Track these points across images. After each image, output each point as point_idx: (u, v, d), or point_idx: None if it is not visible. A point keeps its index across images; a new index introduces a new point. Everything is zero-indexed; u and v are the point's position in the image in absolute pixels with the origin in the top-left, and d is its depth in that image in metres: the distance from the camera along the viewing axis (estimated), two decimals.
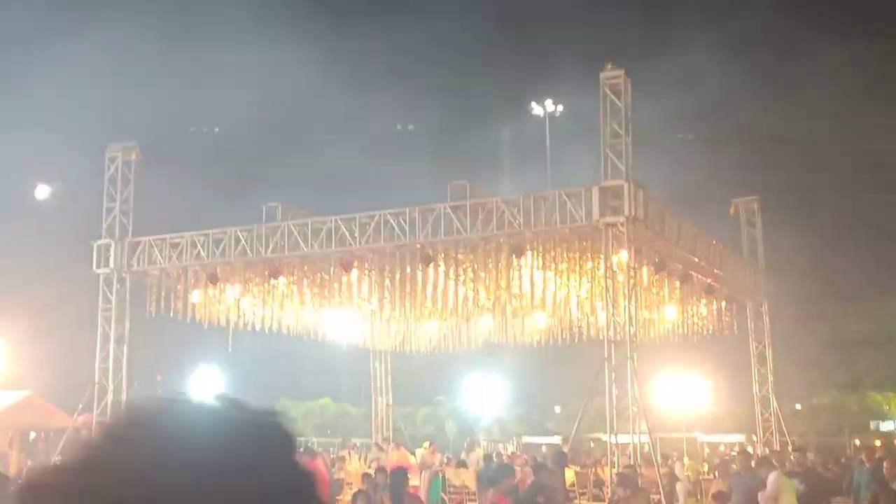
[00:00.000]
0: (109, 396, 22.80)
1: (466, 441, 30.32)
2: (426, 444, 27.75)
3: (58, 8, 56.53)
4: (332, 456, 26.37)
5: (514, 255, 19.93)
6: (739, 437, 39.18)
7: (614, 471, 17.79)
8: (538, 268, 20.82)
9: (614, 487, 13.53)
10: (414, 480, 19.18)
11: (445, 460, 25.36)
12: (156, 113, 56.10)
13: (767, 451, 25.25)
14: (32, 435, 33.38)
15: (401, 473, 14.03)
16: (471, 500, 20.33)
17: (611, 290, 18.83)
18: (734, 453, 33.80)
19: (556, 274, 21.25)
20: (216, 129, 61.95)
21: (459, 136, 68.66)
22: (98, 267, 23.18)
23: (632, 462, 18.28)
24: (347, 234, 20.77)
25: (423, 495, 20.73)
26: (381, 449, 26.70)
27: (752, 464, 15.87)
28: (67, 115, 52.26)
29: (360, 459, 26.53)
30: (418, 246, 20.42)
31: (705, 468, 27.23)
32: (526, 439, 43.79)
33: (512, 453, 32.27)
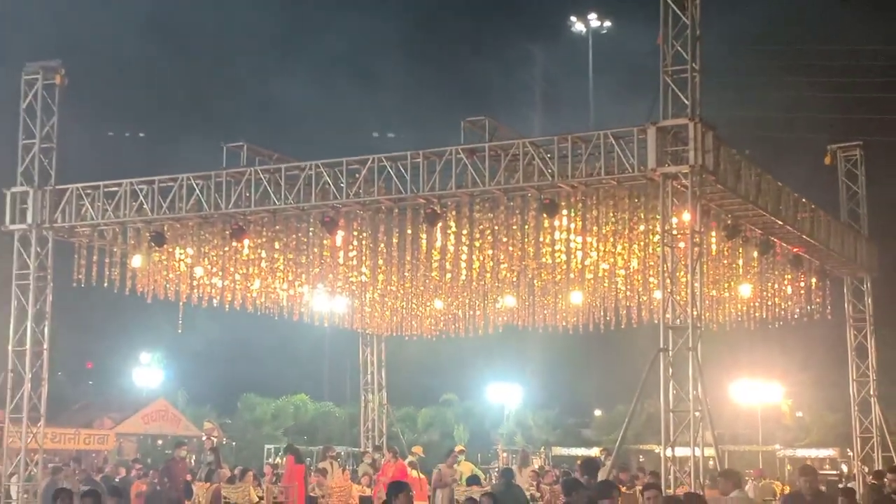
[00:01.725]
0: (26, 388, 22.83)
1: (519, 454, 30.57)
2: (416, 448, 27.81)
3: None
4: (310, 468, 26.46)
5: (545, 214, 19.81)
6: (830, 452, 39.33)
7: (669, 492, 17.80)
8: (576, 231, 20.67)
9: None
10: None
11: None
12: (84, 26, 55.77)
13: (866, 469, 25.27)
14: None
15: (401, 487, 13.84)
16: None
17: (669, 262, 18.69)
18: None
19: (598, 239, 21.15)
20: (161, 49, 61.68)
21: (477, 62, 68.30)
22: (12, 222, 23.04)
23: (699, 482, 18.26)
24: (331, 183, 20.63)
25: None
26: (372, 462, 26.82)
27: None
28: None
29: (344, 473, 26.63)
30: (422, 200, 20.29)
31: (787, 491, 27.24)
32: (557, 450, 43.97)
33: (539, 468, 32.37)
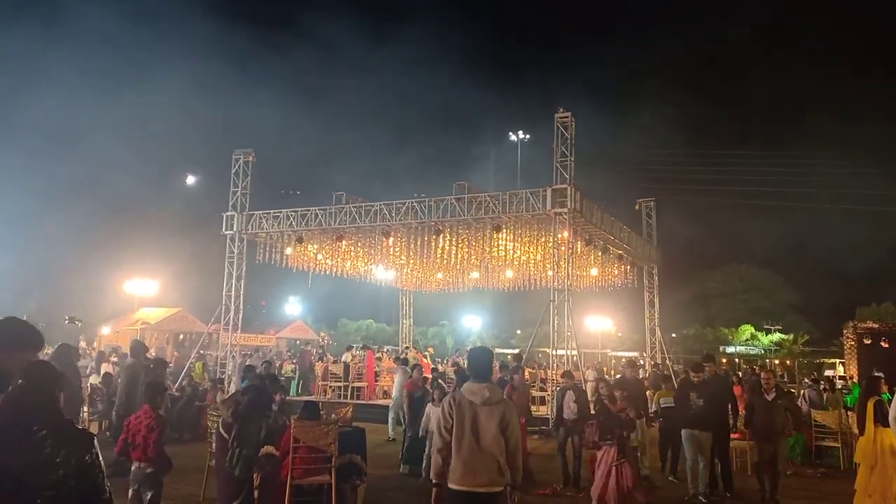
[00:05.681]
0: (231, 314, 22.80)
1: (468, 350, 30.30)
2: (430, 349, 27.40)
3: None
4: (377, 354, 26.38)
5: (494, 231, 19.78)
6: (635, 353, 39.35)
7: (552, 372, 17.75)
8: (510, 240, 20.68)
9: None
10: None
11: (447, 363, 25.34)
12: (265, 127, 55.80)
13: (652, 362, 25.28)
14: (181, 336, 33.65)
15: (418, 367, 14.02)
16: None
17: (556, 256, 18.71)
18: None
19: (521, 244, 21.15)
20: (306, 140, 61.78)
21: (463, 152, 68.41)
22: (225, 230, 22.98)
23: (571, 369, 18.18)
24: (387, 213, 20.58)
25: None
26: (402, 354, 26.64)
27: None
28: (209, 126, 52.02)
29: (389, 357, 26.56)
30: (433, 223, 20.24)
31: (612, 373, 27.24)
32: (498, 350, 43.94)
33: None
